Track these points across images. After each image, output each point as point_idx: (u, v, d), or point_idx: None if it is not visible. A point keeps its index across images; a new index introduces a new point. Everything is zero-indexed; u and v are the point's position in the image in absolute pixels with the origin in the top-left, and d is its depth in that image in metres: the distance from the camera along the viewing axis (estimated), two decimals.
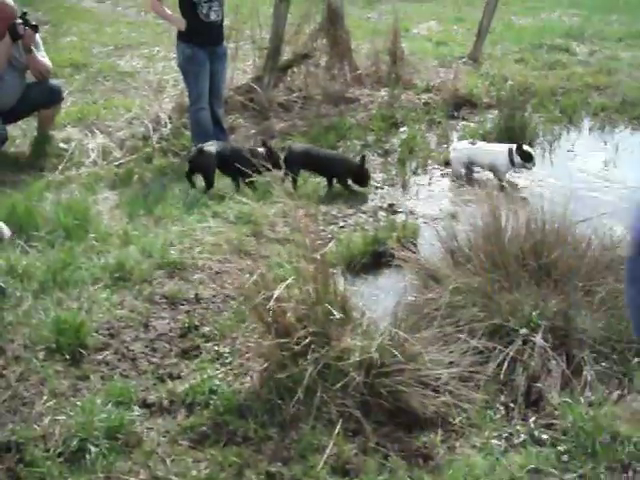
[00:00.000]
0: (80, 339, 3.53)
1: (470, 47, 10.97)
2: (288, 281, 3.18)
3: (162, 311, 3.96)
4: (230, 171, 5.79)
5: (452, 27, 13.83)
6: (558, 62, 10.85)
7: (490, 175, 6.50)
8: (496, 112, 8.17)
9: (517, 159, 6.21)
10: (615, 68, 10.53)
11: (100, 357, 3.52)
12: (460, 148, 6.66)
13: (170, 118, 7.38)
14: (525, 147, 6.23)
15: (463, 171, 6.59)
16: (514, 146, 6.25)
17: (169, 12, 6.50)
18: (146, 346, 3.64)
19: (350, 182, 6.12)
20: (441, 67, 10.26)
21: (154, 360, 3.54)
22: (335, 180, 6.14)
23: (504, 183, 6.01)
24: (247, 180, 5.57)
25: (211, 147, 5.79)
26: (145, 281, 4.19)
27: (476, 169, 6.65)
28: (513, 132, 7.39)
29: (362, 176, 6.08)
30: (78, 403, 3.09)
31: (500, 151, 6.35)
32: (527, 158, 6.21)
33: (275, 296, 3.05)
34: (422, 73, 9.69)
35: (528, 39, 12.35)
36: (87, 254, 4.46)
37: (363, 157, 6.15)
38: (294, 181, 5.97)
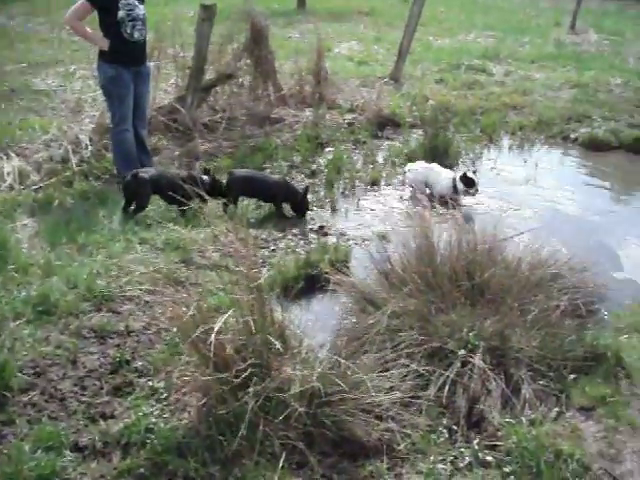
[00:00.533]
0: (3, 380, 3.32)
1: (391, 67, 11.16)
2: (227, 314, 3.06)
3: (91, 346, 3.77)
4: (167, 198, 5.64)
5: (372, 47, 14.04)
6: (476, 82, 11.17)
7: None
8: (420, 131, 8.34)
9: (460, 185, 6.38)
10: (530, 88, 10.94)
11: (26, 399, 3.32)
12: (417, 168, 6.75)
13: (90, 140, 7.11)
14: (469, 174, 6.37)
15: (423, 189, 6.67)
16: (458, 174, 6.44)
17: (90, 31, 6.28)
18: (75, 384, 3.46)
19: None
20: (363, 87, 10.38)
21: (84, 399, 3.36)
22: (272, 203, 6.09)
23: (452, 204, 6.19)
24: (180, 208, 5.43)
25: (146, 173, 5.65)
26: (71, 314, 3.99)
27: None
28: (437, 151, 7.56)
29: (302, 206, 6.04)
30: (5, 451, 2.89)
31: (445, 177, 6.54)
32: (469, 184, 6.35)
33: (216, 330, 2.93)
34: (345, 93, 9.78)
35: (446, 60, 12.67)
36: (7, 287, 4.21)
37: (307, 187, 6.11)
38: (227, 205, 5.86)
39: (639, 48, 14.76)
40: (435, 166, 6.74)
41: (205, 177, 5.87)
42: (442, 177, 6.57)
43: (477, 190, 6.41)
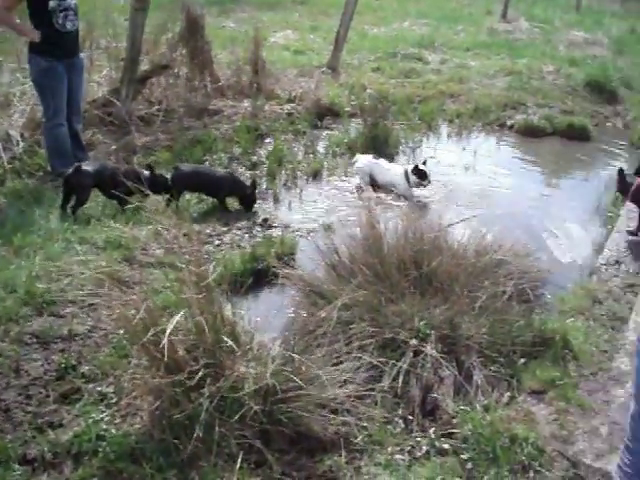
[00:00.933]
0: None
1: (328, 56, 11.11)
2: (178, 316, 2.98)
3: (34, 352, 3.62)
4: (108, 193, 5.47)
5: (308, 36, 13.95)
6: (413, 70, 11.23)
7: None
8: (359, 121, 8.33)
9: (413, 178, 6.38)
10: (466, 76, 11.06)
11: None
12: (364, 162, 6.77)
13: (22, 135, 6.84)
14: (420, 166, 6.37)
15: (367, 182, 6.71)
16: (410, 167, 6.44)
17: (18, 22, 6.02)
18: (20, 394, 3.31)
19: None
20: (301, 77, 10.28)
21: (30, 409, 3.22)
22: (216, 197, 6.01)
23: (408, 200, 6.32)
24: (121, 204, 5.28)
25: (88, 166, 5.50)
26: (11, 320, 3.81)
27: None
28: (377, 140, 7.58)
29: (250, 199, 5.98)
30: None
31: (397, 172, 6.55)
32: (422, 176, 6.36)
33: (168, 332, 2.84)
34: (283, 83, 9.67)
35: (383, 48, 12.69)
36: None
37: (254, 182, 6.03)
38: (170, 201, 5.74)
39: (568, 36, 15.12)
40: (383, 161, 6.78)
41: (146, 172, 5.73)
42: (392, 171, 6.60)
43: (429, 182, 6.42)
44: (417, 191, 6.54)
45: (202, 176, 5.97)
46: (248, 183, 6.03)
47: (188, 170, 5.94)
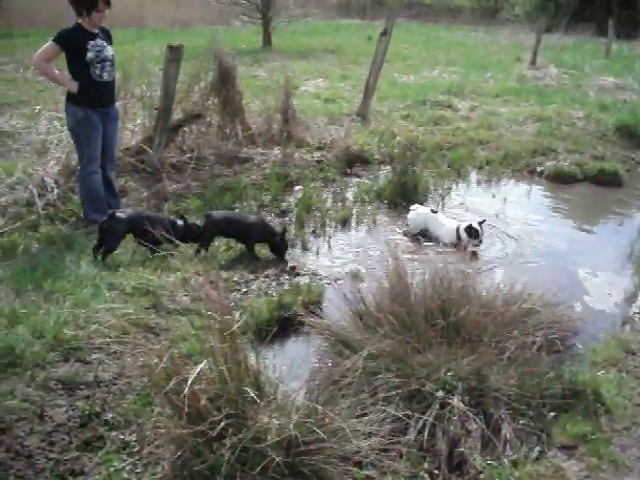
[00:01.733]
0: None
1: (358, 104, 11.25)
2: (200, 365, 2.97)
3: (59, 398, 3.62)
4: (141, 239, 5.55)
5: (339, 84, 14.18)
6: (442, 118, 11.32)
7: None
8: (388, 168, 8.37)
9: (464, 235, 6.25)
10: (495, 123, 11.11)
11: None
12: (420, 212, 6.74)
13: (57, 182, 6.99)
14: (474, 225, 6.23)
15: (416, 232, 6.69)
16: (462, 224, 6.32)
17: (58, 73, 6.22)
18: (42, 440, 3.31)
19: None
20: (331, 124, 10.41)
21: (53, 455, 3.22)
22: (245, 243, 6.02)
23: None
24: (153, 254, 5.34)
25: (122, 213, 5.59)
26: (38, 365, 3.83)
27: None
28: (406, 187, 7.59)
29: (281, 246, 5.97)
30: None
31: (450, 228, 6.45)
32: (472, 235, 6.22)
33: (190, 382, 2.83)
34: (313, 131, 9.79)
35: (412, 96, 12.83)
36: None
37: (285, 228, 6.04)
38: (202, 248, 5.80)
39: (598, 81, 15.13)
40: (439, 215, 6.72)
41: (180, 222, 5.80)
42: (446, 227, 6.50)
43: (480, 242, 6.26)
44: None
45: (233, 222, 6.01)
46: (279, 230, 6.03)
47: (220, 216, 6.00)
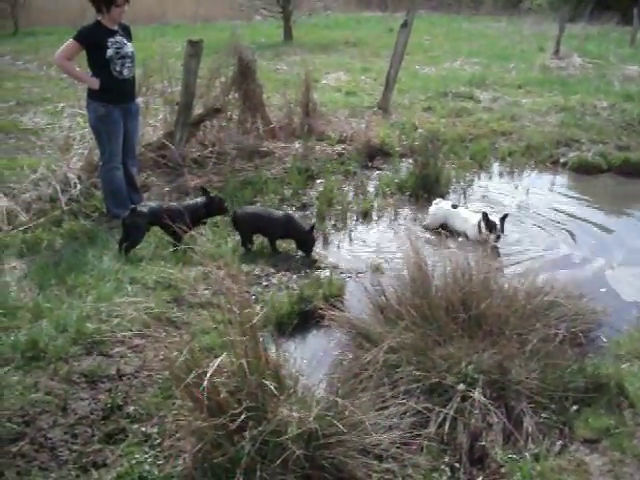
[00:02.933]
0: None
1: (379, 97, 11.20)
2: (220, 358, 2.98)
3: (81, 391, 3.67)
4: (167, 230, 5.58)
5: (360, 77, 14.13)
6: (464, 109, 11.23)
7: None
8: (410, 160, 8.33)
9: (484, 228, 6.11)
10: (518, 114, 11.00)
11: (15, 449, 3.21)
12: (441, 207, 6.67)
13: (79, 178, 7.06)
14: (492, 218, 6.10)
15: (436, 226, 6.61)
16: (480, 217, 6.18)
17: (79, 70, 6.27)
18: (66, 432, 3.35)
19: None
20: (352, 117, 10.39)
21: (76, 447, 3.26)
22: (269, 239, 6.02)
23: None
24: (175, 249, 5.37)
25: (144, 207, 5.64)
26: (61, 359, 3.88)
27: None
28: (428, 180, 7.54)
29: (308, 243, 5.90)
30: None
31: (471, 222, 6.32)
32: (490, 228, 6.06)
33: (209, 375, 2.85)
34: (334, 124, 9.77)
35: (433, 87, 12.75)
36: None
37: (313, 225, 5.94)
38: (244, 244, 5.91)
39: (623, 71, 14.91)
40: (461, 209, 6.60)
41: (199, 199, 5.94)
42: (468, 222, 6.37)
43: (499, 236, 6.07)
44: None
45: (259, 217, 5.99)
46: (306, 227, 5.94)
47: (246, 212, 6.03)
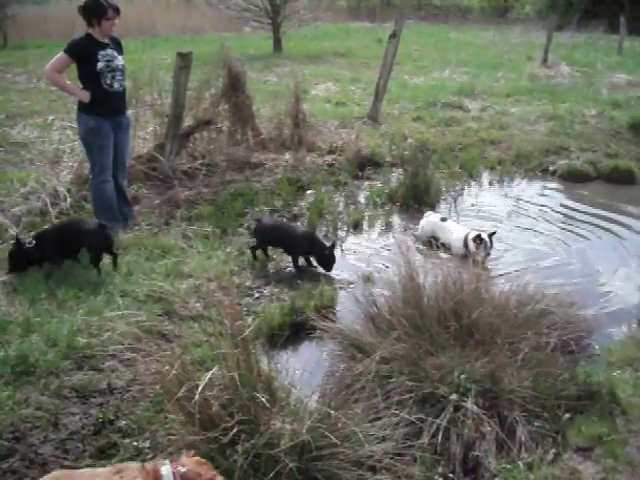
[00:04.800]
0: None
1: (368, 107, 11.24)
2: (212, 371, 2.97)
3: (72, 406, 3.66)
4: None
5: (349, 87, 14.17)
6: (453, 119, 11.28)
7: None
8: (400, 170, 8.35)
9: (471, 245, 6.00)
10: (507, 123, 11.06)
11: (5, 465, 3.19)
12: (430, 220, 6.61)
13: (69, 191, 7.05)
14: (483, 236, 5.96)
15: (424, 239, 6.58)
16: (471, 233, 6.07)
17: (69, 83, 6.26)
18: (57, 448, 3.34)
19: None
20: (342, 128, 10.42)
21: (67, 463, 3.24)
22: (291, 255, 5.96)
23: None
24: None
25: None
26: (51, 373, 3.87)
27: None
28: (418, 189, 7.56)
29: (329, 260, 5.84)
30: None
31: (458, 237, 6.23)
32: (479, 246, 5.93)
33: (200, 389, 2.84)
34: (324, 134, 9.81)
35: (423, 97, 12.79)
36: None
37: (334, 243, 5.92)
38: (254, 250, 5.93)
39: (611, 79, 15.02)
40: (449, 224, 6.49)
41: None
42: (454, 235, 6.27)
43: (488, 254, 5.98)
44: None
45: (281, 231, 5.97)
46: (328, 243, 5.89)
47: (269, 223, 6.07)
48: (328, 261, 5.84)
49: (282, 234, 5.94)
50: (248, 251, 5.99)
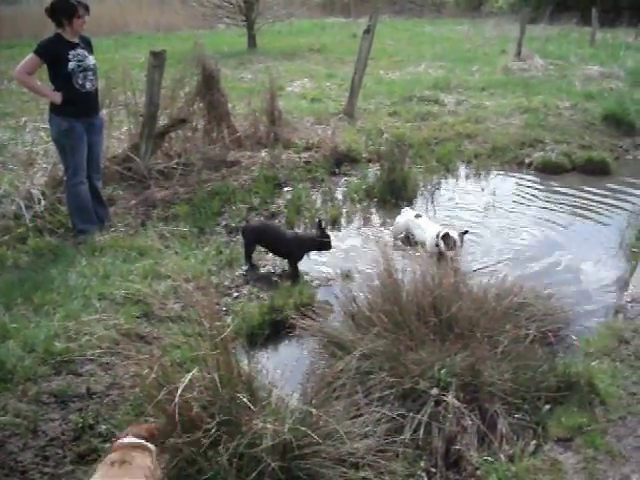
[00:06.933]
0: None
1: (344, 103, 11.23)
2: (191, 373, 2.95)
3: (51, 412, 3.62)
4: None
5: (325, 84, 14.14)
6: (429, 113, 11.31)
7: None
8: (377, 166, 8.36)
9: (441, 243, 5.82)
10: (482, 116, 11.11)
11: None
12: (404, 217, 6.54)
13: (43, 194, 6.94)
14: (451, 234, 5.79)
15: (398, 235, 6.57)
16: (442, 232, 5.88)
17: (40, 85, 6.17)
18: (36, 455, 3.30)
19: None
20: (318, 124, 10.39)
21: (47, 470, 3.21)
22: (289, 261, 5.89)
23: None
24: None
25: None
26: (29, 379, 3.82)
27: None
28: (395, 185, 7.57)
29: (327, 242, 5.78)
30: None
31: (430, 234, 6.08)
32: (448, 244, 5.77)
33: (179, 391, 2.81)
34: (300, 131, 9.76)
35: (398, 92, 12.82)
36: None
37: (319, 222, 5.83)
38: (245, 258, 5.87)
39: (584, 70, 15.16)
40: (423, 221, 6.38)
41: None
42: (427, 233, 6.15)
43: (457, 253, 5.73)
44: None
45: (269, 233, 5.89)
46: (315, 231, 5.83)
47: (256, 225, 6.07)
48: (325, 244, 5.78)
49: (270, 236, 5.88)
50: (227, 251, 5.97)
